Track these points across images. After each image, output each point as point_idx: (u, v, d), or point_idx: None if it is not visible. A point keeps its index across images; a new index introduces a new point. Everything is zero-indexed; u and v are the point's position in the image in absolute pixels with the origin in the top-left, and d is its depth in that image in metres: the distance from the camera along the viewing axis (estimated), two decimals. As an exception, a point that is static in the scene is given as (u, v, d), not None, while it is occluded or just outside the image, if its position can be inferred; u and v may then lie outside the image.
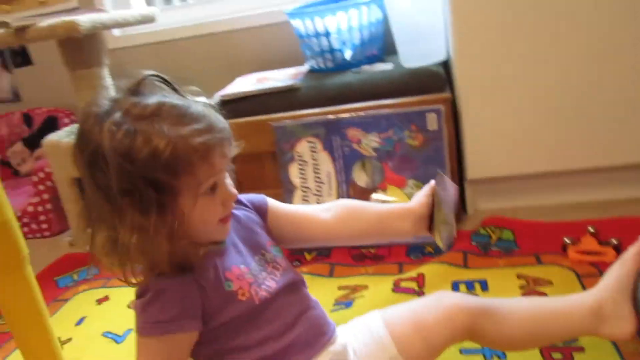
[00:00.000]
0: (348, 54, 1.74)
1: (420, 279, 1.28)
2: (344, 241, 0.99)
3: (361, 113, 1.53)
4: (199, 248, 0.72)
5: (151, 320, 0.67)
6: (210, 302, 0.71)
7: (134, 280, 0.70)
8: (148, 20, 1.87)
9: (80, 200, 1.76)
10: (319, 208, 0.89)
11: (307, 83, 1.68)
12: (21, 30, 1.56)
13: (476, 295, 1.16)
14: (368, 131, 1.53)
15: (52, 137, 1.80)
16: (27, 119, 2.30)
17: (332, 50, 1.73)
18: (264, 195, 0.88)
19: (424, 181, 1.48)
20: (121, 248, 0.66)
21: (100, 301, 1.47)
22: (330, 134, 1.55)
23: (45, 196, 1.93)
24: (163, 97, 0.68)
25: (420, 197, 0.87)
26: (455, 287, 1.24)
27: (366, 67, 1.71)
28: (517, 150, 1.50)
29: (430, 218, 0.85)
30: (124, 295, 1.47)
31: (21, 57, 2.32)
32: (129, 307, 1.41)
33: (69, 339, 1.31)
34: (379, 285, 1.30)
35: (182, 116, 0.66)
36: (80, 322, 1.38)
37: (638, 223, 1.32)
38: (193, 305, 0.69)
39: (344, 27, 1.69)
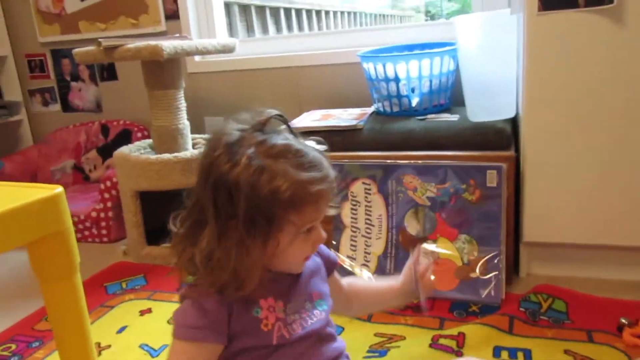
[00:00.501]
0: (415, 101, 1.75)
1: (460, 339, 1.24)
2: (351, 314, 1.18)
3: (420, 161, 1.52)
4: (267, 274, 0.76)
5: (184, 324, 0.75)
6: (235, 321, 0.75)
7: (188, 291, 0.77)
8: (227, 50, 1.96)
9: (140, 210, 1.83)
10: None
11: (370, 125, 1.70)
12: (110, 49, 1.68)
13: (517, 365, 1.11)
14: (425, 180, 1.52)
15: (122, 150, 1.90)
16: (105, 129, 2.44)
17: (399, 96, 1.75)
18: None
19: (477, 238, 1.46)
20: (216, 263, 0.72)
21: (143, 312, 1.51)
22: (387, 178, 1.55)
23: (109, 204, 2.03)
24: (286, 139, 0.75)
25: (403, 273, 0.99)
26: (496, 352, 1.19)
27: (432, 116, 1.71)
28: (578, 218, 1.44)
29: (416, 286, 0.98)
30: (165, 310, 1.50)
31: (108, 72, 2.48)
32: (168, 322, 1.44)
33: (109, 346, 1.35)
34: (417, 338, 1.27)
35: (303, 162, 0.73)
36: (121, 330, 1.42)
37: None
38: (221, 320, 0.74)
39: (414, 75, 1.71)
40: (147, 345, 1.34)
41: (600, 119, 1.36)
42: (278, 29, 3.72)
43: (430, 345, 1.23)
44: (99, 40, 1.70)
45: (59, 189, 0.88)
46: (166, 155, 1.78)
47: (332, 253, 0.93)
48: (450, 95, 1.82)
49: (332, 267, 0.92)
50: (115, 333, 1.41)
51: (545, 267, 1.55)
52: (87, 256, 1.96)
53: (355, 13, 5.32)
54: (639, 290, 1.38)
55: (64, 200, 0.88)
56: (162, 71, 1.82)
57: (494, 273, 1.42)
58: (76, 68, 2.53)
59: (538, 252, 1.55)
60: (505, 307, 1.36)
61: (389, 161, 1.56)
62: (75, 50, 1.77)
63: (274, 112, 0.77)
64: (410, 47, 1.84)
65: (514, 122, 1.61)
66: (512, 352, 1.19)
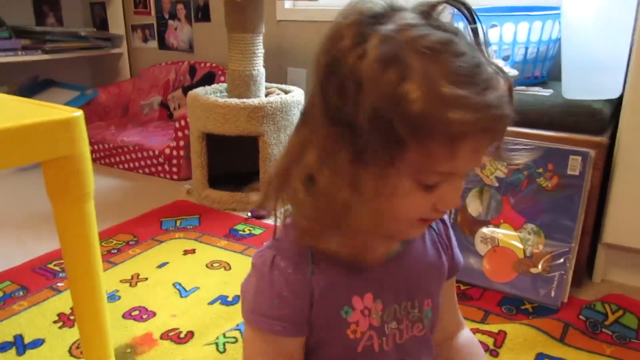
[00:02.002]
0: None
1: (500, 337, 1.10)
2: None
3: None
4: (377, 242, 0.58)
5: (255, 309, 0.58)
6: (317, 313, 0.57)
7: (280, 231, 0.59)
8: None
9: (205, 152, 1.84)
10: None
11: (448, 91, 1.54)
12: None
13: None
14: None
15: (197, 90, 1.90)
16: (192, 70, 2.47)
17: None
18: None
19: (546, 230, 1.28)
20: (322, 190, 0.50)
21: (186, 252, 1.52)
22: (455, 151, 1.40)
23: (181, 143, 2.06)
24: (457, 37, 0.48)
25: None
26: (539, 361, 1.04)
27: (521, 88, 1.51)
28: (675, 226, 1.21)
29: None
30: (208, 254, 1.50)
31: (202, 13, 2.49)
32: (206, 267, 1.44)
33: (146, 278, 1.38)
34: (454, 328, 1.15)
35: (460, 70, 0.46)
36: (161, 265, 1.44)
37: None
38: (300, 310, 0.57)
39: (508, 40, 1.51)
40: (179, 284, 1.35)
41: None
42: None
43: (464, 339, 1.10)
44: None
45: (78, 112, 0.86)
46: (234, 100, 1.75)
47: (459, 253, 0.69)
48: (550, 68, 1.60)
49: (454, 270, 0.69)
50: (156, 267, 1.43)
51: (626, 275, 1.34)
52: (154, 190, 2.04)
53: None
54: None
55: (81, 125, 0.86)
56: (242, 13, 1.77)
57: (558, 272, 1.25)
58: (174, 6, 2.57)
59: (619, 256, 1.34)
60: (563, 312, 1.20)
61: (459, 132, 1.40)
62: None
63: None
64: (509, 10, 1.63)
65: (618, 105, 1.38)
66: (558, 365, 1.04)
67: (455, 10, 0.52)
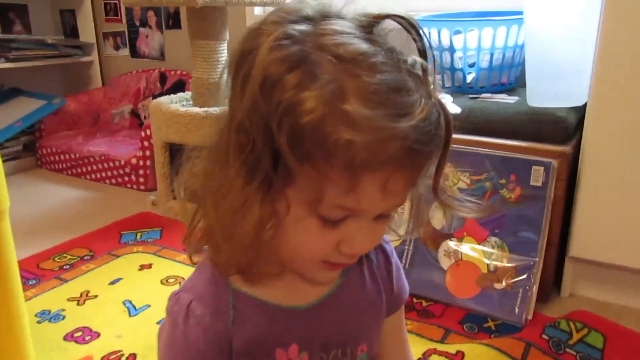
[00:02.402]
0: (470, 77, 1.51)
1: (457, 359, 1.05)
2: None
3: (455, 145, 1.30)
4: (276, 268, 0.51)
5: (169, 356, 0.51)
6: None
7: (194, 260, 0.53)
8: (276, 3, 1.82)
9: (169, 162, 1.79)
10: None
11: (413, 99, 1.49)
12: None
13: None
14: (459, 167, 1.30)
15: (160, 99, 1.85)
16: (163, 77, 2.42)
17: (452, 69, 1.52)
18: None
19: (510, 243, 1.24)
20: (206, 211, 0.48)
21: (142, 267, 1.46)
22: (418, 161, 1.36)
23: (148, 152, 2.01)
24: (387, 54, 0.42)
25: None
26: (496, 383, 0.99)
27: (486, 95, 1.47)
28: (641, 239, 1.17)
29: None
30: (165, 268, 1.45)
31: (173, 20, 2.44)
32: (161, 282, 1.38)
33: (95, 296, 1.32)
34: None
35: (374, 92, 0.39)
36: (114, 282, 1.38)
37: None
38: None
39: (473, 46, 1.47)
40: (130, 302, 1.29)
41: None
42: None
43: (419, 360, 1.05)
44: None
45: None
46: (195, 109, 1.70)
47: (405, 283, 0.62)
48: (518, 74, 1.56)
49: (396, 305, 0.61)
50: (108, 284, 1.38)
51: (595, 290, 1.30)
52: (119, 202, 1.98)
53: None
54: None
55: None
56: (204, 20, 1.72)
57: (522, 287, 1.20)
58: (145, 13, 2.52)
59: (587, 271, 1.29)
60: (526, 330, 1.15)
61: (422, 141, 1.36)
62: (121, -9, 1.73)
63: (399, 14, 0.45)
64: (473, 15, 1.59)
65: (584, 112, 1.34)
66: (517, 387, 0.99)
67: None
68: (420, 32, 0.46)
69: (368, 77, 0.39)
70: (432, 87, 0.44)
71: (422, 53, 0.46)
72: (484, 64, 1.49)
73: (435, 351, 1.07)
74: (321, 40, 0.41)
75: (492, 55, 1.48)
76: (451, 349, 1.08)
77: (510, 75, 1.54)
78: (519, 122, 1.29)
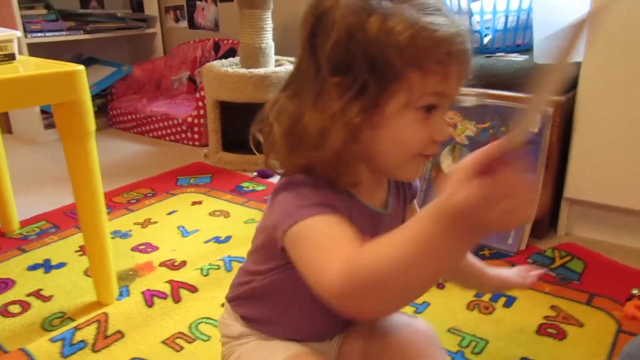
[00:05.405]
0: (487, 39, 1.66)
1: (449, 273, 1.24)
2: None
3: (464, 97, 1.47)
4: (364, 175, 0.61)
5: (307, 204, 0.55)
6: None
7: (279, 171, 0.62)
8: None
9: (219, 118, 2.03)
10: None
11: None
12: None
13: (492, 307, 1.11)
14: (467, 117, 1.47)
15: (213, 63, 2.09)
16: (217, 46, 2.67)
17: (471, 32, 1.67)
18: None
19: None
20: (301, 129, 0.57)
21: (194, 203, 1.72)
22: (432, 113, 1.53)
23: (202, 112, 2.27)
24: None
25: (515, 279, 0.83)
26: (479, 293, 1.17)
27: (500, 54, 1.62)
28: (632, 180, 1.30)
29: None
30: (213, 205, 1.70)
31: (226, -7, 2.68)
32: (209, 214, 1.63)
33: (156, 222, 1.59)
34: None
35: (430, 7, 0.54)
36: (171, 213, 1.65)
37: None
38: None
39: (489, 9, 1.61)
40: (183, 227, 1.55)
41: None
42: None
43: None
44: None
45: (79, 67, 1.06)
46: (242, 70, 1.93)
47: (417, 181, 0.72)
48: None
49: (413, 196, 0.73)
50: (166, 214, 1.64)
51: (590, 230, 1.44)
52: (176, 155, 2.26)
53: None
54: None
55: (82, 77, 1.06)
56: (251, -10, 1.94)
57: (517, 222, 1.36)
58: (203, -12, 2.77)
59: (582, 212, 1.43)
60: (516, 257, 1.32)
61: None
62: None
63: None
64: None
65: (587, 69, 1.46)
66: (495, 296, 1.16)
67: None
68: None
69: (419, 1, 0.55)
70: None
71: None
72: (499, 26, 1.63)
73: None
74: None
75: (506, 17, 1.62)
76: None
77: (524, 37, 1.67)
78: (521, 77, 1.44)
